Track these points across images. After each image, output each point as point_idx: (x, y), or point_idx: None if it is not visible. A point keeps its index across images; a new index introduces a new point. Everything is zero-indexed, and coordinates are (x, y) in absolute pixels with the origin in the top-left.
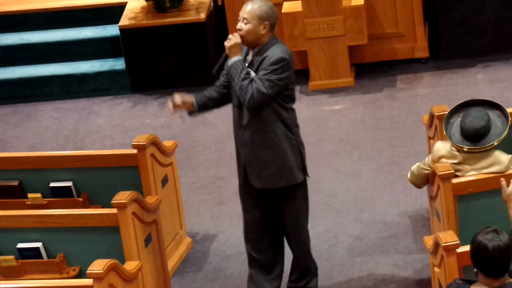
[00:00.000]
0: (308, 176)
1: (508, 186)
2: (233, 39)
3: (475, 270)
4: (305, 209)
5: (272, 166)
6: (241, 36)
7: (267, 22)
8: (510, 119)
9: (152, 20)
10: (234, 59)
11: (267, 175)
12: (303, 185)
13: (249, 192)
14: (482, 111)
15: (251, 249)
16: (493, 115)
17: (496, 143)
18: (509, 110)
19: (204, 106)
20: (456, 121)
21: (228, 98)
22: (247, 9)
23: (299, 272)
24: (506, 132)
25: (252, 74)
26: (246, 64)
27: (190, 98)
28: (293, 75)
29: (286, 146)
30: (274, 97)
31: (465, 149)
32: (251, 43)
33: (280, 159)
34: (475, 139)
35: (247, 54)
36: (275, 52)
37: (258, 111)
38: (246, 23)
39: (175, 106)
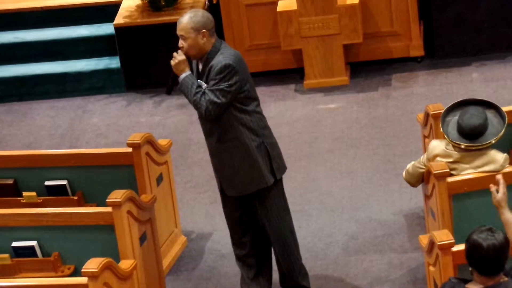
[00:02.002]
0: (276, 178)
1: (498, 191)
2: (177, 57)
3: (470, 269)
4: (283, 210)
5: (241, 172)
6: (185, 53)
7: (204, 31)
8: (506, 118)
9: (147, 19)
10: (182, 76)
11: (238, 182)
12: (276, 187)
13: (226, 199)
14: (480, 109)
15: (236, 247)
16: (489, 114)
17: (494, 141)
18: (504, 109)
19: None
20: (452, 119)
21: None
22: (181, 26)
23: (287, 274)
24: (503, 131)
25: (204, 85)
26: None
27: None
28: (246, 75)
29: (253, 151)
30: (229, 103)
31: (462, 146)
32: (197, 55)
33: (247, 165)
34: (472, 137)
35: (198, 64)
36: (218, 61)
37: (217, 120)
38: (184, 39)
39: None
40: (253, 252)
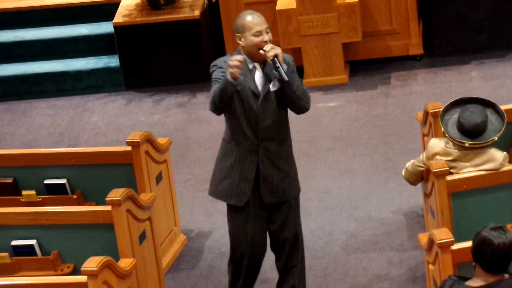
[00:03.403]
0: None
1: None
2: (276, 47)
3: (473, 263)
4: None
5: (288, 178)
6: None
7: None
8: (504, 115)
9: (146, 17)
10: (284, 66)
11: (284, 187)
12: None
13: (253, 211)
14: (479, 107)
15: (249, 263)
16: (487, 112)
17: (496, 138)
18: (504, 107)
19: (232, 93)
20: (451, 118)
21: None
22: (263, 19)
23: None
24: (504, 128)
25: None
26: (261, 78)
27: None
28: None
29: (293, 156)
30: None
31: (466, 145)
32: None
33: (294, 169)
34: (474, 135)
35: (251, 69)
36: (285, 56)
37: (282, 120)
38: (268, 32)
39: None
40: (259, 267)
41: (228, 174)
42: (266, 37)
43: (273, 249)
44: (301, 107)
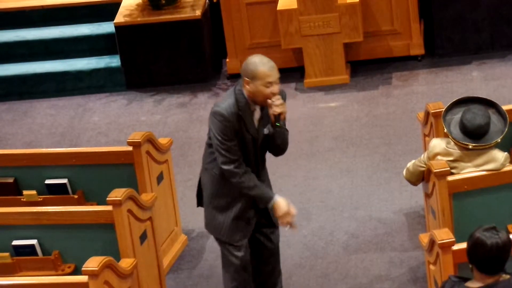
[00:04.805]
0: None
1: None
2: (283, 103)
3: (470, 266)
4: None
5: None
6: None
7: None
8: (506, 115)
9: (147, 17)
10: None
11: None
12: None
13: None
14: (482, 108)
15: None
16: (489, 112)
17: (499, 140)
18: (505, 107)
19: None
20: (453, 118)
21: None
22: (276, 69)
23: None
24: (506, 129)
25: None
26: (257, 120)
27: (285, 204)
28: None
29: None
30: None
31: (470, 147)
32: None
33: None
34: (477, 136)
35: (252, 111)
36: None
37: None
38: (278, 82)
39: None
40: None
41: (232, 209)
42: (276, 88)
43: (260, 259)
44: (281, 154)
